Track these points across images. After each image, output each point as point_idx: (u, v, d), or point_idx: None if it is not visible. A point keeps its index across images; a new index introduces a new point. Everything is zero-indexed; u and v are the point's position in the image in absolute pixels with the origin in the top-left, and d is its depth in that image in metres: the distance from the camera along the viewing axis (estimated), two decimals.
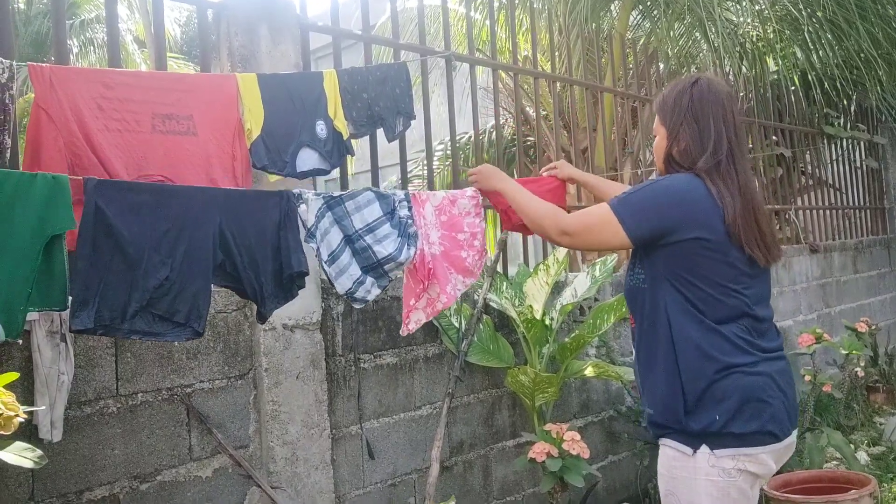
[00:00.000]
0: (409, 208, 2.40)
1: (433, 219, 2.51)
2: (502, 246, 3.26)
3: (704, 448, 1.70)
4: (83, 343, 2.03)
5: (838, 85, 5.80)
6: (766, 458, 1.72)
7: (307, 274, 2.10)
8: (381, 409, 2.73)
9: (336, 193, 2.24)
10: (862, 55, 5.69)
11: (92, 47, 11.66)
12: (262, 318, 2.06)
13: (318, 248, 2.16)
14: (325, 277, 2.58)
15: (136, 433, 2.12)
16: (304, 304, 2.42)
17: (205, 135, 2.12)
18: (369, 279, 2.24)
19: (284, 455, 2.36)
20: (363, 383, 2.68)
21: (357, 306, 2.27)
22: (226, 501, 2.28)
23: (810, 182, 6.71)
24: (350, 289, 2.22)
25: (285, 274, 2.04)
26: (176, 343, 2.21)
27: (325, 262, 2.18)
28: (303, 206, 2.13)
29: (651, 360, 1.79)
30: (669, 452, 1.78)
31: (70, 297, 1.69)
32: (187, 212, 1.87)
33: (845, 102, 6.77)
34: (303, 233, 2.13)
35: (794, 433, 1.77)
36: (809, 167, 6.76)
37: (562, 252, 3.14)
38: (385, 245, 2.25)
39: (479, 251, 2.61)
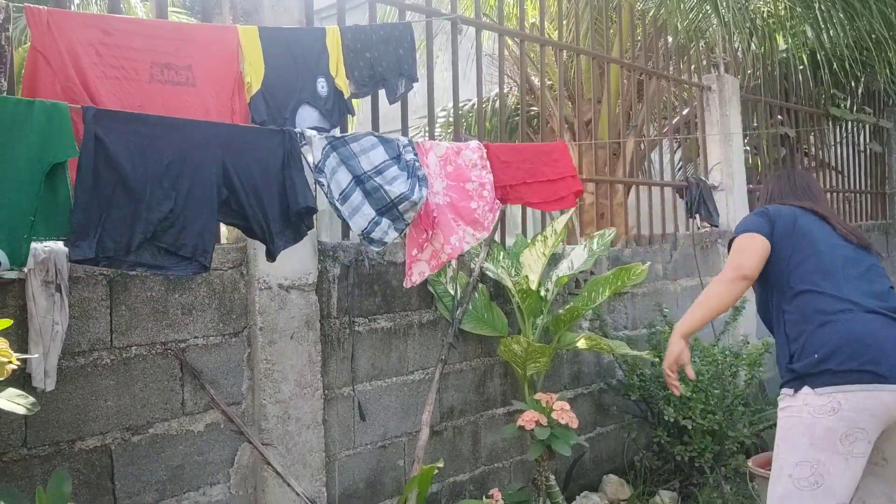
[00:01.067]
0: (415, 153, 2.38)
1: (437, 168, 2.48)
2: (500, 216, 3.24)
3: (806, 388, 1.93)
4: (78, 294, 2.03)
5: (847, 66, 5.74)
6: (868, 400, 1.87)
7: (315, 210, 2.10)
8: (374, 372, 2.75)
9: (339, 135, 2.22)
10: (873, 36, 5.61)
11: None
12: (272, 255, 2.06)
13: (328, 185, 2.15)
14: (321, 240, 2.58)
15: (130, 386, 2.13)
16: (301, 265, 2.41)
17: (204, 86, 2.09)
18: (385, 220, 2.23)
19: (276, 413, 2.38)
20: (357, 346, 2.68)
21: (375, 248, 2.26)
22: (217, 456, 2.30)
23: (813, 163, 6.67)
24: (366, 228, 2.21)
25: (292, 211, 2.04)
26: (171, 298, 2.21)
27: (337, 201, 2.17)
28: (306, 146, 2.12)
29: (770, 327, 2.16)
30: (781, 397, 2.04)
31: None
32: (188, 145, 1.86)
33: (853, 84, 6.70)
34: (309, 173, 2.11)
35: None
36: (813, 148, 6.72)
37: (560, 224, 3.12)
38: (396, 185, 2.24)
39: (490, 203, 2.59)
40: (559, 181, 2.82)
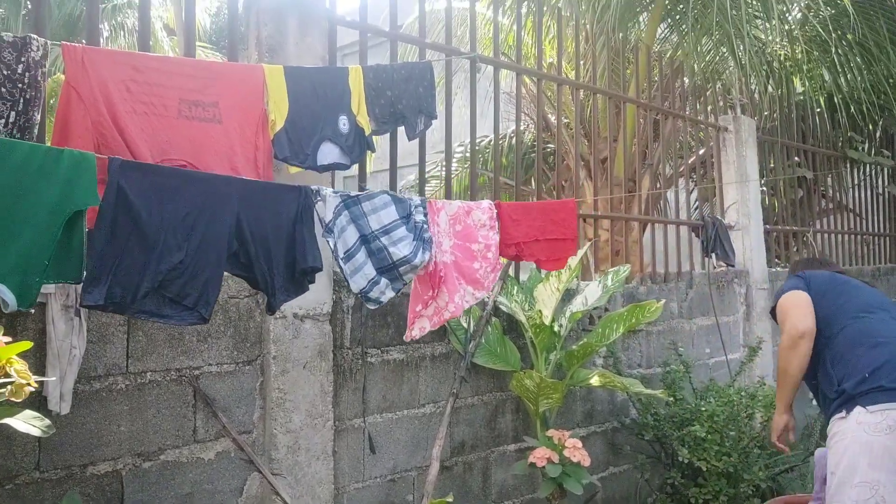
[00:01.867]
0: (425, 214, 2.42)
1: (447, 227, 2.52)
2: None
3: (858, 408, 1.97)
4: (96, 319, 2.07)
5: (864, 109, 5.75)
6: None
7: (320, 270, 2.12)
8: (385, 404, 2.75)
9: (353, 193, 2.27)
10: (891, 80, 5.64)
11: (122, 32, 11.79)
12: (272, 309, 2.08)
13: (335, 245, 2.19)
14: (337, 270, 2.61)
15: (143, 411, 2.15)
16: (316, 296, 2.44)
17: (229, 123, 2.15)
18: (384, 280, 2.27)
19: (287, 443, 2.38)
20: (369, 377, 2.69)
21: (371, 306, 2.29)
22: (226, 485, 2.31)
23: (830, 205, 6.65)
24: (364, 288, 2.24)
25: (298, 268, 2.07)
26: (187, 326, 2.24)
27: (342, 259, 2.21)
28: (320, 203, 2.16)
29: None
30: (831, 424, 2.08)
31: (84, 273, 1.72)
32: (207, 199, 1.90)
33: (871, 127, 6.71)
34: (319, 229, 2.16)
35: None
36: (830, 191, 6.70)
37: (575, 259, 3.14)
38: (400, 247, 2.28)
39: (493, 263, 2.62)
40: (562, 241, 2.86)
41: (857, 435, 1.96)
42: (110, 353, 2.10)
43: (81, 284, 1.74)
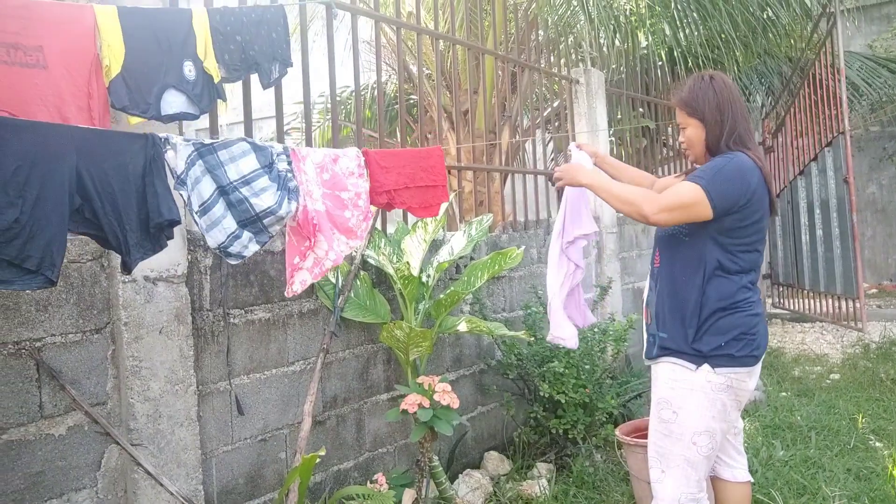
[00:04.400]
0: (289, 162, 2.32)
1: (315, 175, 2.44)
2: None
3: (706, 366, 2.15)
4: None
5: (701, 62, 6.22)
6: (748, 378, 2.20)
7: (178, 223, 2.00)
8: (252, 364, 2.69)
9: (207, 141, 2.13)
10: (723, 36, 6.12)
11: None
12: (128, 268, 1.94)
13: (188, 197, 2.06)
14: (191, 229, 2.48)
15: None
16: (168, 256, 2.31)
17: (56, 69, 1.94)
18: (246, 234, 2.15)
19: (146, 412, 2.27)
20: (233, 339, 2.61)
21: (232, 262, 2.19)
22: (81, 460, 2.17)
23: (671, 153, 7.19)
24: (223, 243, 2.12)
25: (153, 223, 1.93)
26: (24, 294, 2.05)
27: (196, 213, 2.08)
28: (170, 152, 2.02)
29: (675, 297, 2.22)
30: (673, 367, 2.22)
31: None
32: (39, 150, 1.71)
33: None
34: (171, 179, 2.02)
35: (764, 355, 2.27)
36: (671, 139, 7.24)
37: (440, 210, 3.18)
38: (263, 198, 2.17)
39: (364, 212, 2.58)
40: (433, 188, 2.88)
41: (705, 391, 2.18)
42: None
43: None
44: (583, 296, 2.89)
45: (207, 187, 2.09)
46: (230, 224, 2.12)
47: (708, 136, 2.24)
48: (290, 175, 2.29)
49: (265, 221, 2.17)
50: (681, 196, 2.15)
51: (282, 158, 2.30)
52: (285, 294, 2.44)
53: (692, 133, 2.28)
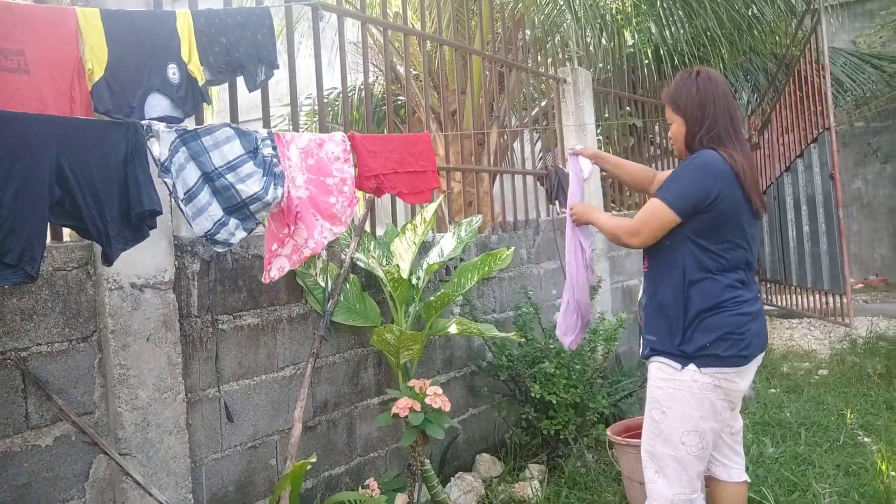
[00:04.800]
0: (274, 147, 2.29)
1: (298, 161, 2.41)
2: (371, 205, 3.23)
3: (692, 366, 2.15)
4: None
5: (687, 60, 6.24)
6: (737, 378, 2.18)
7: (160, 213, 1.96)
8: (242, 370, 2.66)
9: (191, 128, 2.10)
10: (708, 33, 6.15)
11: None
12: (109, 260, 1.91)
13: (173, 185, 2.02)
14: (178, 234, 2.45)
15: None
16: (155, 262, 2.28)
17: (38, 73, 1.91)
18: (233, 221, 2.12)
19: (134, 420, 2.24)
20: (222, 345, 2.58)
21: (219, 249, 2.15)
22: (69, 471, 2.13)
23: (658, 151, 7.21)
24: (210, 230, 2.09)
25: (134, 213, 1.90)
26: (8, 303, 2.01)
27: (182, 201, 2.05)
28: (153, 140, 1.98)
29: (662, 299, 2.23)
30: (661, 367, 2.23)
31: None
32: (19, 142, 1.68)
33: None
34: (154, 169, 1.98)
35: (762, 355, 2.25)
36: (658, 137, 7.26)
37: (429, 212, 3.17)
38: (249, 184, 2.14)
39: (349, 198, 2.55)
40: (422, 174, 2.85)
41: (693, 391, 2.18)
42: None
43: None
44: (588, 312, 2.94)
45: (192, 174, 2.06)
46: (216, 211, 2.09)
47: (687, 132, 2.24)
48: (275, 160, 2.26)
49: (252, 208, 2.15)
50: (643, 214, 2.24)
51: (266, 143, 2.27)
52: (262, 280, 2.41)
53: (675, 129, 2.29)
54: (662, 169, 6.80)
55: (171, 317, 2.35)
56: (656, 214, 2.18)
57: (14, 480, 2.01)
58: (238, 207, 2.11)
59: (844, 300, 6.35)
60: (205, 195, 2.06)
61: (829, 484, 3.22)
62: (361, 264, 3.12)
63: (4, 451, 2.00)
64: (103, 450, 2.17)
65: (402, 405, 2.74)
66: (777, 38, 7.68)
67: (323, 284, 2.92)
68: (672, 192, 2.15)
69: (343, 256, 3.04)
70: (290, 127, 3.03)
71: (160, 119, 2.14)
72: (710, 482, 2.44)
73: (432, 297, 3.17)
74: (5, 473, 2.00)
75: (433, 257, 3.30)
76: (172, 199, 2.09)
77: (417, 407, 2.75)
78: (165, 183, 2.01)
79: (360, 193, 2.72)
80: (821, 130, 6.47)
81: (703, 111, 2.20)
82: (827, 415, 4.25)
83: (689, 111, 2.22)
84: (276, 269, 2.36)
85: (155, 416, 2.29)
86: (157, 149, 1.98)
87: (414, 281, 3.16)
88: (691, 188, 2.12)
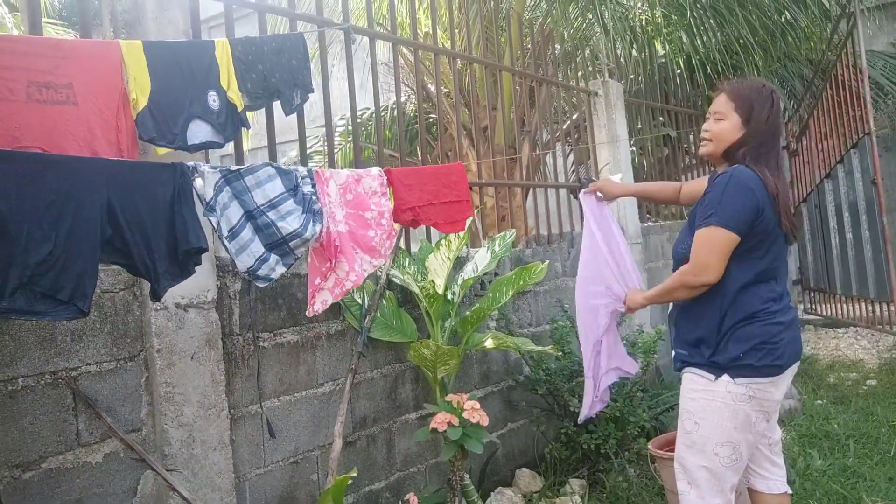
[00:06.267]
0: (313, 185, 2.36)
1: (337, 197, 2.48)
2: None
3: (725, 377, 2.13)
4: None
5: (720, 69, 6.18)
6: (772, 388, 2.16)
7: (206, 250, 2.03)
8: (283, 387, 2.71)
9: (234, 167, 2.17)
10: (741, 41, 6.09)
11: None
12: (157, 295, 1.98)
13: (217, 223, 2.09)
14: (219, 255, 2.52)
15: (18, 420, 2.00)
16: (198, 283, 2.35)
17: (86, 105, 2.00)
18: (273, 257, 2.19)
19: (180, 437, 2.30)
20: (263, 362, 2.64)
21: (260, 285, 2.22)
22: (118, 487, 2.20)
23: (693, 161, 7.13)
24: (252, 266, 2.16)
25: (181, 250, 1.97)
26: (59, 325, 2.09)
27: (225, 238, 2.12)
28: (198, 180, 2.06)
29: (695, 312, 2.22)
30: (693, 378, 2.22)
31: None
32: (72, 183, 1.76)
33: None
34: (199, 207, 2.05)
35: (797, 364, 2.23)
36: (693, 147, 7.18)
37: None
38: (290, 221, 2.20)
39: (387, 230, 2.61)
40: (457, 203, 2.90)
41: (726, 401, 2.17)
42: None
43: None
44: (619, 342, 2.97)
45: (235, 213, 2.13)
46: (258, 248, 2.16)
47: (740, 140, 2.18)
48: (314, 198, 2.32)
49: (291, 244, 2.21)
50: (705, 247, 2.14)
51: (306, 181, 2.33)
52: (307, 314, 2.47)
53: (728, 127, 2.21)
54: (697, 178, 6.73)
55: (214, 335, 2.41)
56: (720, 242, 2.11)
57: (67, 496, 2.09)
58: (279, 244, 2.18)
59: (892, 308, 6.16)
60: (247, 232, 2.13)
61: (881, 498, 3.13)
62: (397, 280, 3.15)
63: (57, 467, 2.07)
64: (151, 466, 2.23)
65: (440, 420, 2.76)
66: (812, 43, 7.55)
67: (360, 301, 2.96)
68: (726, 216, 2.09)
69: (379, 273, 3.08)
70: (326, 147, 3.09)
71: (202, 145, 2.22)
72: (751, 494, 2.40)
73: (468, 312, 3.19)
74: (59, 489, 2.07)
75: (468, 272, 3.32)
76: (217, 237, 2.16)
77: (455, 422, 2.76)
78: (210, 221, 2.09)
79: (396, 225, 2.78)
80: (861, 135, 6.33)
81: (768, 129, 2.17)
82: (877, 426, 4.12)
83: (755, 122, 2.17)
84: (319, 303, 2.43)
85: (200, 432, 2.35)
86: (203, 188, 2.05)
87: (449, 296, 3.19)
88: (742, 207, 2.08)
